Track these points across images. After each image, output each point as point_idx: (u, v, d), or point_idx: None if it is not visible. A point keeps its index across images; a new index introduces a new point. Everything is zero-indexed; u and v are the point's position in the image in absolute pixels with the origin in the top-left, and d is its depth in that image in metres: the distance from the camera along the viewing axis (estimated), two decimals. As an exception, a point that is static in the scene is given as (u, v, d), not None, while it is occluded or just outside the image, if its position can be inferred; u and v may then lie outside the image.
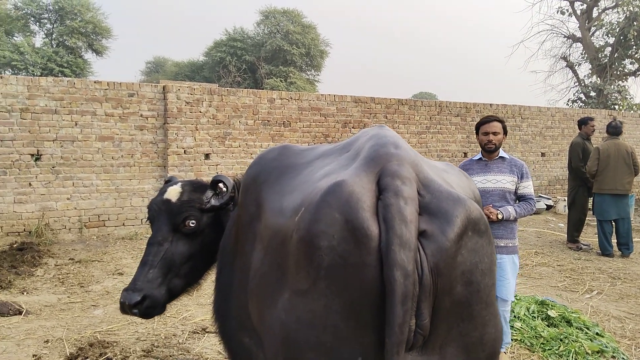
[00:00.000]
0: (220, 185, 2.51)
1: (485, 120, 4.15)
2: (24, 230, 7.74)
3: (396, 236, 1.17)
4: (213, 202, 2.47)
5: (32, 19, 29.73)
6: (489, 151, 4.08)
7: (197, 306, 5.41)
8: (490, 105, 12.46)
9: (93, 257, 7.15)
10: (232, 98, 9.21)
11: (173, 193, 2.50)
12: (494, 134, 4.05)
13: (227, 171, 9.20)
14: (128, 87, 8.43)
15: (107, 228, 8.34)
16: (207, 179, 8.13)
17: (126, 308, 2.27)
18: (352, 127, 10.51)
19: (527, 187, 4.05)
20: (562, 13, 21.61)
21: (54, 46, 29.31)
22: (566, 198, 9.44)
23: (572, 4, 21.41)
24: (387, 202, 1.23)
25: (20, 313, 4.97)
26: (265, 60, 31.02)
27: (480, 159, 4.20)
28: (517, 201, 4.07)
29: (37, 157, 7.79)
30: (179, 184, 2.59)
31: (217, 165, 9.11)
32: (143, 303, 2.26)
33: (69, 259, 7.04)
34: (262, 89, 28.10)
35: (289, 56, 30.98)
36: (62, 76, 26.36)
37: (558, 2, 21.76)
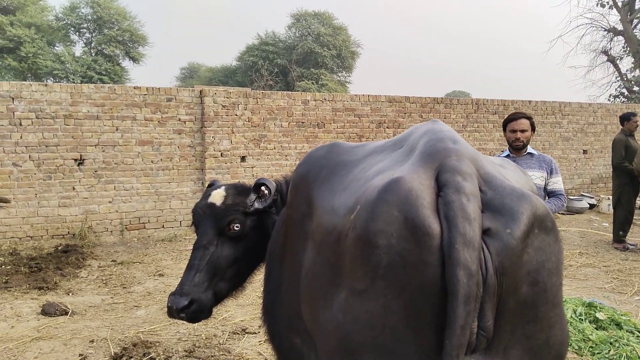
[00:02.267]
0: (263, 188, 2.50)
1: (513, 117, 4.08)
2: (68, 232, 7.98)
3: (459, 234, 1.12)
4: (257, 205, 2.46)
5: (72, 29, 30.77)
6: (517, 148, 4.02)
7: (237, 307, 5.44)
8: (529, 102, 12.15)
9: (134, 259, 7.31)
10: (267, 101, 9.27)
11: (217, 197, 2.50)
12: (522, 131, 3.98)
13: (262, 173, 9.26)
14: (166, 92, 8.59)
15: (147, 230, 8.51)
16: (246, 181, 8.22)
17: (174, 312, 2.28)
18: (387, 127, 10.42)
19: (557, 183, 3.97)
20: (602, 6, 20.89)
21: (93, 55, 30.26)
22: (610, 197, 9.10)
23: (613, -4, 20.68)
24: (448, 198, 1.18)
25: (66, 313, 5.11)
26: (296, 63, 31.21)
27: (508, 155, 4.14)
28: (547, 197, 3.97)
29: (80, 161, 8.02)
30: (223, 187, 2.59)
31: (252, 167, 9.18)
32: (190, 307, 2.28)
33: (111, 261, 7.21)
34: (294, 92, 28.26)
35: (320, 58, 31.07)
36: (101, 83, 27.20)
37: (598, -5, 20.97)
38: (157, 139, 8.48)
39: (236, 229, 2.41)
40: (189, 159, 8.73)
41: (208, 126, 8.72)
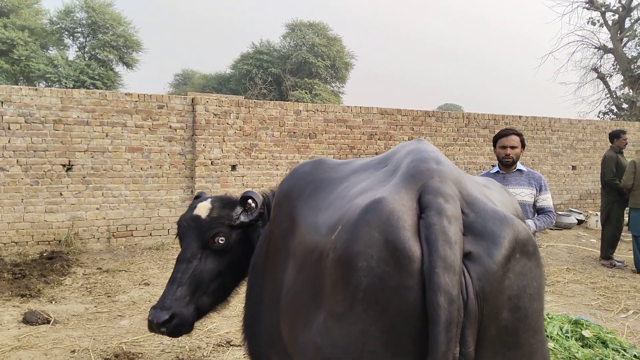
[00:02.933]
0: (250, 201, 2.46)
1: (503, 134, 4.11)
2: (54, 239, 7.88)
3: (440, 258, 1.11)
4: (242, 218, 2.43)
5: (66, 33, 30.66)
6: (507, 165, 4.05)
7: (222, 318, 5.38)
8: (520, 117, 12.24)
9: (120, 267, 7.22)
10: (259, 110, 9.26)
11: (203, 209, 2.47)
12: (512, 147, 4.01)
13: (253, 182, 9.23)
14: (158, 99, 8.56)
15: (135, 238, 8.43)
16: (236, 191, 8.13)
17: (154, 327, 2.25)
18: (378, 139, 10.44)
19: (546, 200, 4.00)
20: (593, 24, 21.21)
21: (87, 59, 30.13)
22: (599, 213, 9.15)
23: (603, 15, 20.99)
24: (429, 221, 1.16)
25: (48, 322, 5.03)
26: (290, 72, 31.30)
27: (497, 171, 4.17)
28: (537, 214, 4.00)
29: (69, 167, 7.95)
30: (209, 199, 2.55)
31: (243, 176, 9.14)
32: (171, 322, 2.24)
33: (97, 269, 7.12)
34: (287, 101, 28.34)
35: (314, 68, 31.20)
36: (94, 88, 27.06)
37: (589, 13, 21.31)
38: (147, 146, 8.43)
39: (221, 242, 2.37)
40: (179, 167, 8.68)
41: (199, 134, 8.69)
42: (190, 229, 2.43)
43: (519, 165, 4.06)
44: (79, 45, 31.52)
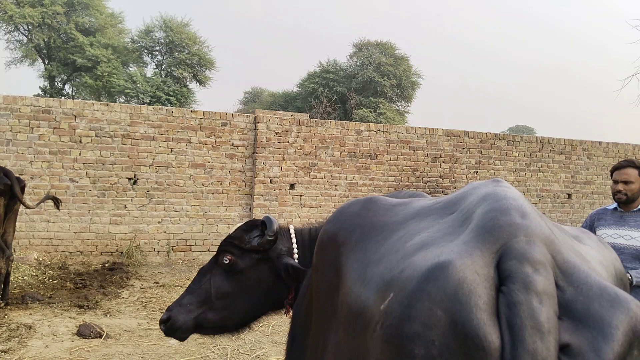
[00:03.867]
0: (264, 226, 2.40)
1: (617, 166, 3.55)
2: (117, 250, 8.06)
3: (527, 353, 0.81)
4: (253, 242, 2.38)
5: (146, 51, 32.36)
6: (619, 202, 3.48)
7: (271, 344, 5.18)
8: (600, 143, 11.32)
9: (177, 282, 7.23)
10: (320, 129, 9.12)
11: (233, 229, 2.54)
12: (625, 182, 3.43)
13: (311, 202, 9.06)
14: (222, 116, 8.63)
15: (193, 253, 8.47)
16: (291, 210, 7.94)
17: (160, 322, 2.42)
18: (443, 162, 9.98)
19: None
20: (686, 43, 19.53)
21: (163, 76, 31.62)
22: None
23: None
24: (513, 298, 0.87)
25: (100, 336, 5.03)
26: (355, 91, 31.27)
27: (616, 208, 3.58)
28: None
29: (134, 181, 8.14)
30: (249, 221, 2.56)
31: (301, 195, 9.00)
32: (166, 323, 2.36)
33: (154, 282, 7.17)
34: (351, 119, 28.24)
35: (379, 87, 30.99)
36: (168, 104, 28.29)
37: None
38: (209, 162, 8.50)
39: (225, 261, 2.38)
40: (239, 184, 8.68)
41: (260, 152, 8.66)
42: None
43: None
44: (156, 62, 33.16)
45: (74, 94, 32.88)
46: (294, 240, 2.44)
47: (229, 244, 2.41)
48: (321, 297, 1.42)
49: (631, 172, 3.45)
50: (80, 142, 7.86)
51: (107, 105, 8.05)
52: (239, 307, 2.44)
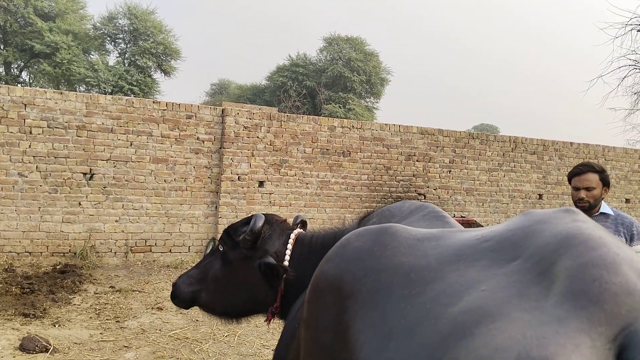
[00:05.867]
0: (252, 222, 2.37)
1: (576, 171, 3.25)
2: (70, 251, 7.47)
3: None
4: (239, 238, 2.38)
5: (108, 38, 31.10)
6: (582, 210, 3.21)
7: (237, 356, 4.81)
8: (571, 144, 11.33)
9: (134, 287, 6.73)
10: (292, 124, 8.71)
11: None
12: (587, 189, 3.16)
13: (280, 200, 8.66)
14: (187, 108, 8.12)
15: (154, 254, 7.95)
16: (259, 208, 7.52)
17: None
18: (417, 160, 9.74)
19: None
20: (649, 47, 19.97)
21: (126, 65, 30.45)
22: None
23: (660, 38, 19.76)
24: None
25: (46, 350, 4.53)
26: (325, 86, 30.95)
27: None
28: None
29: (89, 176, 7.55)
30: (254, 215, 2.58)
31: (270, 194, 8.59)
32: (173, 288, 2.53)
33: (110, 287, 6.64)
34: (320, 114, 27.90)
35: (349, 83, 30.78)
36: (132, 94, 27.27)
37: (643, 36, 20.07)
38: (172, 157, 7.98)
39: (220, 248, 2.48)
40: (204, 181, 8.19)
41: (227, 147, 8.19)
42: None
43: (604, 207, 3.25)
44: (119, 51, 31.97)
45: (31, 81, 31.40)
46: (289, 245, 2.34)
47: (226, 233, 2.48)
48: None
49: (592, 178, 3.19)
50: (31, 133, 7.21)
51: (61, 93, 7.42)
52: (226, 296, 2.50)
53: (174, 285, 2.52)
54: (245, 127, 8.29)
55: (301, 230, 2.57)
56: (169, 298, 2.65)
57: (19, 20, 28.41)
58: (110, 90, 27.43)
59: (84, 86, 28.64)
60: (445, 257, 0.92)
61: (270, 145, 8.54)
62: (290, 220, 2.67)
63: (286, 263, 2.26)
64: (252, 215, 2.42)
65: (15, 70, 30.43)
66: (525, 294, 0.70)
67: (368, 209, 9.27)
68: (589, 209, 3.21)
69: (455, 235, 1.00)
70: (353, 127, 9.22)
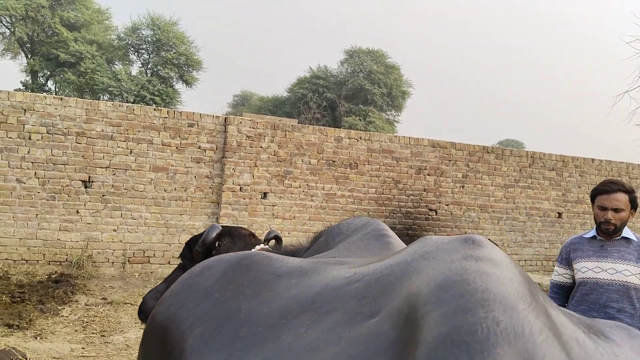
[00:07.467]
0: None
1: (604, 189, 2.88)
2: (66, 260, 7.33)
3: None
4: (195, 250, 2.31)
5: (132, 49, 31.62)
6: (606, 232, 2.87)
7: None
8: (592, 160, 10.81)
9: (127, 299, 6.53)
10: (297, 134, 8.47)
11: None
12: (615, 210, 2.79)
13: (284, 212, 8.40)
14: (188, 116, 7.96)
15: (152, 265, 7.76)
16: (262, 221, 7.22)
17: None
18: (427, 174, 9.38)
19: None
20: (680, 61, 19.23)
21: (148, 75, 30.87)
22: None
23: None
24: None
25: (20, 365, 4.33)
26: (345, 98, 30.82)
27: (594, 237, 2.97)
28: None
29: (88, 183, 7.42)
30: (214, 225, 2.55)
31: (274, 205, 8.33)
32: (141, 303, 2.42)
33: (102, 298, 6.46)
34: (340, 126, 27.71)
35: (369, 95, 30.59)
36: (153, 104, 27.56)
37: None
38: (173, 166, 7.81)
39: (180, 261, 2.47)
40: (205, 191, 7.99)
41: (229, 157, 7.99)
42: None
43: (626, 232, 2.89)
44: (142, 61, 32.44)
45: (57, 90, 32.08)
46: None
47: (187, 245, 2.43)
48: None
49: (622, 198, 2.82)
50: (30, 139, 7.14)
51: (61, 99, 7.34)
52: None
53: (142, 300, 2.42)
54: (248, 137, 8.08)
55: (267, 246, 2.36)
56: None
57: (45, 30, 29.15)
58: (132, 100, 27.75)
59: (107, 95, 29.10)
60: (296, 304, 0.69)
61: (274, 155, 8.31)
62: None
63: None
64: (213, 225, 2.34)
65: (41, 79, 31.13)
66: None
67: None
68: (614, 232, 2.86)
69: (327, 269, 0.75)
70: (360, 138, 8.93)
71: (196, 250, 2.19)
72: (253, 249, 2.26)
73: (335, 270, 0.73)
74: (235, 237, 2.40)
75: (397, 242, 1.36)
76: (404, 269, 0.62)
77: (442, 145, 9.52)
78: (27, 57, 30.60)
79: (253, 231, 2.70)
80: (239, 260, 0.81)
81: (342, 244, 1.28)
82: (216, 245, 2.27)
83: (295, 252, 2.14)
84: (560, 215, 10.36)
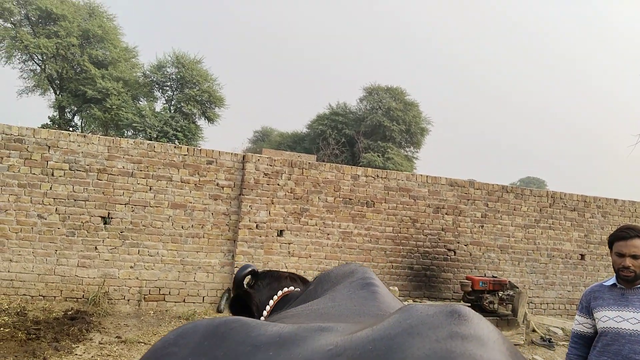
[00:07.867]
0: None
1: (621, 236, 2.79)
2: (83, 296, 7.36)
3: None
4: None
5: (157, 86, 32.53)
6: (626, 280, 2.78)
7: None
8: (615, 201, 10.56)
9: (141, 338, 6.48)
10: (313, 172, 8.50)
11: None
12: (634, 257, 2.71)
13: (300, 251, 8.35)
14: (207, 154, 8.07)
15: (167, 303, 7.73)
16: (277, 259, 7.19)
17: None
18: (445, 214, 9.27)
19: None
20: None
21: (172, 111, 31.61)
22: None
23: None
24: None
25: (29, 406, 4.29)
26: (364, 134, 31.01)
27: (614, 284, 2.88)
28: None
29: (107, 220, 7.52)
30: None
31: (289, 243, 8.30)
32: None
33: (116, 337, 6.43)
34: (359, 163, 27.76)
35: (388, 132, 30.73)
36: (176, 140, 28.11)
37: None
38: (191, 202, 7.88)
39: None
40: (222, 228, 8.01)
41: (246, 194, 8.03)
42: None
43: None
44: (166, 98, 33.29)
45: (82, 125, 32.96)
46: (273, 299, 2.13)
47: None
48: None
49: None
50: (52, 175, 7.31)
51: (85, 136, 7.53)
52: None
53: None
54: (265, 174, 8.14)
55: (295, 289, 2.37)
56: None
57: (74, 67, 30.22)
58: (155, 136, 28.34)
59: (132, 131, 29.80)
60: None
61: (291, 193, 8.33)
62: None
63: (262, 318, 2.09)
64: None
65: (69, 114, 32.09)
66: None
67: (393, 264, 8.80)
68: (634, 279, 2.77)
69: (307, 339, 0.72)
70: (377, 176, 8.91)
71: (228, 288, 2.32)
72: (282, 289, 2.24)
73: (315, 342, 0.71)
74: (269, 278, 2.39)
75: (384, 291, 1.34)
76: (388, 345, 0.61)
77: (460, 184, 9.43)
78: (55, 93, 31.69)
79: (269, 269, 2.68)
80: (215, 329, 0.78)
81: (328, 294, 1.26)
82: (246, 285, 2.32)
83: (288, 299, 2.17)
84: (583, 257, 10.07)
